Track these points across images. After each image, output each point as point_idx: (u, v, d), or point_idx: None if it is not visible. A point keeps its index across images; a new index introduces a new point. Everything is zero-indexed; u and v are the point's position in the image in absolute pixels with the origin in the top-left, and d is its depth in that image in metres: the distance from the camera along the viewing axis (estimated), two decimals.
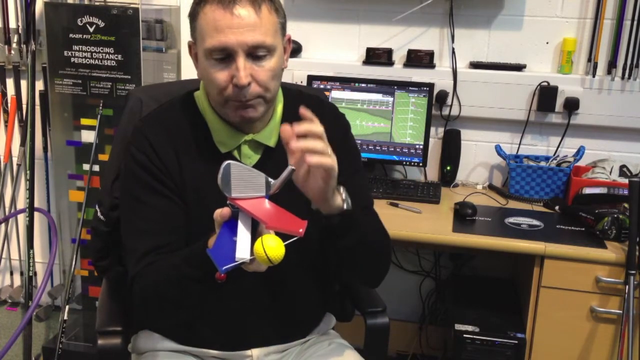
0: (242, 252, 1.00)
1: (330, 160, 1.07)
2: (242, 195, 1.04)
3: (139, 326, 1.47)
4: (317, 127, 1.06)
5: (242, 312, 1.35)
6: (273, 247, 0.97)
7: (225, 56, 1.18)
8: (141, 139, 1.28)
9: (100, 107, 2.42)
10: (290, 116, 1.33)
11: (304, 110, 1.07)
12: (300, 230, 1.03)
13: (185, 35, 2.53)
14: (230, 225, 1.03)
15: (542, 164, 2.31)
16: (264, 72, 1.20)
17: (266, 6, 1.19)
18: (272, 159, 1.31)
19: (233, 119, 1.26)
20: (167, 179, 1.27)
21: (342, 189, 1.17)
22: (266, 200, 1.06)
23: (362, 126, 2.34)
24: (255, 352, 1.39)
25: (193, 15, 1.22)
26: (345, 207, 1.16)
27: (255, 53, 1.18)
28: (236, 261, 0.99)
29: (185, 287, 1.18)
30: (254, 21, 1.16)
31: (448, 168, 2.44)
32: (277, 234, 1.01)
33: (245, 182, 1.04)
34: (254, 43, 1.17)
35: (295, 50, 2.47)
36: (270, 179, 1.07)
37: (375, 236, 1.32)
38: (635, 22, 2.22)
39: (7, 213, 2.85)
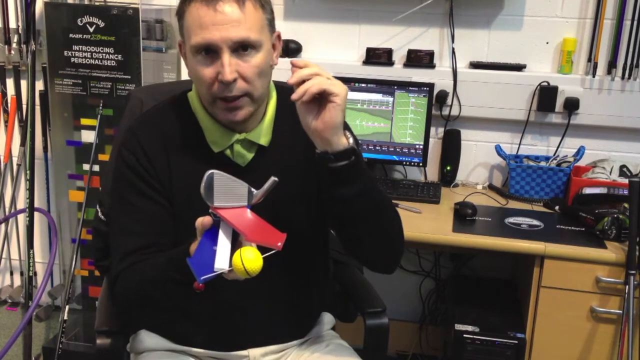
0: (221, 262, 1.00)
1: (330, 83, 1.14)
2: (224, 204, 1.04)
3: (137, 326, 1.47)
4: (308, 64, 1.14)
5: (239, 312, 1.35)
6: (251, 260, 0.98)
7: (211, 53, 1.18)
8: (132, 140, 1.29)
9: (100, 107, 2.42)
10: (284, 114, 1.33)
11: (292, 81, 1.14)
12: (279, 244, 1.03)
13: None
14: (212, 234, 1.04)
15: (542, 164, 2.31)
16: (249, 68, 1.19)
17: (251, 2, 1.18)
18: (266, 158, 1.31)
19: (221, 119, 1.26)
20: (155, 181, 1.27)
21: (346, 131, 1.18)
22: (248, 211, 1.07)
23: (362, 126, 2.34)
24: (252, 352, 1.38)
25: (180, 14, 1.22)
26: (351, 141, 1.16)
27: (240, 49, 1.18)
28: (215, 271, 1.00)
29: (167, 289, 1.19)
30: (237, 17, 1.16)
31: (448, 168, 2.44)
32: (258, 246, 1.01)
33: (228, 192, 1.05)
34: (238, 39, 1.17)
35: (295, 50, 2.47)
36: (253, 189, 1.07)
37: (386, 203, 1.30)
38: (635, 22, 2.22)
39: (7, 213, 2.85)
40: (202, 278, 1.00)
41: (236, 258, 0.98)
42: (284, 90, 1.37)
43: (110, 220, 1.34)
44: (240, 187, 1.06)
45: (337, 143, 1.15)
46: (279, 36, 1.29)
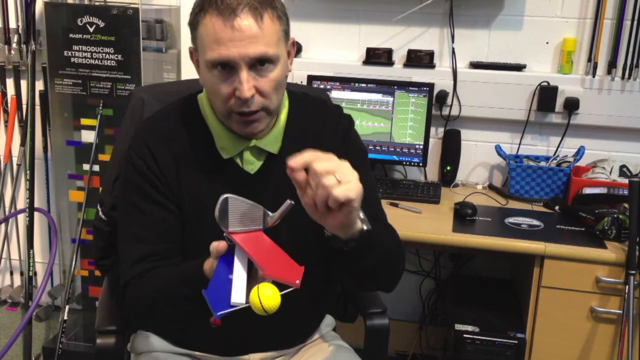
0: (238, 296, 0.97)
1: (342, 190, 0.97)
2: (239, 229, 1.02)
3: (137, 326, 1.47)
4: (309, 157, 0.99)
5: (240, 318, 1.34)
6: (269, 297, 0.95)
7: (227, 68, 1.16)
8: (140, 144, 1.27)
9: (100, 107, 2.42)
10: (294, 121, 1.32)
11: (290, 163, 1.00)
12: (297, 281, 1.00)
13: (185, 35, 2.53)
14: (227, 261, 1.01)
15: (542, 164, 2.31)
16: (267, 82, 1.17)
17: (268, 15, 1.14)
18: (275, 166, 1.29)
19: (237, 131, 1.24)
20: (164, 186, 1.26)
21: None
22: (263, 235, 1.04)
23: (362, 126, 2.33)
24: (253, 357, 1.38)
25: (193, 25, 1.19)
26: (364, 227, 1.08)
27: (257, 64, 1.16)
28: (231, 306, 0.97)
29: (178, 304, 1.18)
30: (255, 32, 1.13)
31: (448, 168, 2.44)
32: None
33: (243, 216, 1.02)
34: (256, 55, 1.14)
35: (295, 50, 2.47)
36: (268, 212, 1.04)
37: (392, 248, 1.27)
38: (635, 22, 2.22)
39: (7, 213, 2.85)
40: (219, 314, 0.97)
41: (253, 295, 0.95)
42: (296, 96, 1.37)
43: (118, 226, 1.32)
44: (255, 211, 1.03)
45: (351, 232, 1.07)
46: (293, 43, 1.27)
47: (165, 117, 1.32)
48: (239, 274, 0.99)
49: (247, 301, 0.96)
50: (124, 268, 1.26)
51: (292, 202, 1.01)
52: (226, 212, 1.00)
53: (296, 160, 0.98)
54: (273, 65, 1.17)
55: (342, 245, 1.09)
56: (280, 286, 0.97)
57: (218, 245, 1.01)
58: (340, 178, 0.97)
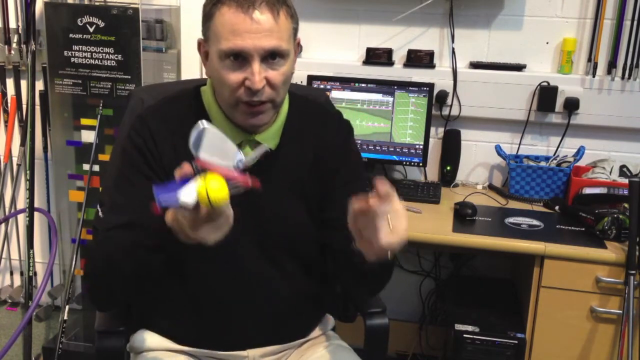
0: (187, 195, 0.96)
1: (391, 240, 1.07)
2: (209, 159, 1.02)
3: (137, 325, 1.47)
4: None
5: (238, 313, 1.35)
6: (216, 189, 0.94)
7: (240, 59, 1.19)
8: (142, 125, 1.30)
9: (100, 107, 2.42)
10: (294, 121, 1.35)
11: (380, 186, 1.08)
12: (249, 181, 1.00)
13: (185, 36, 2.53)
14: (187, 180, 1.00)
15: (542, 164, 2.31)
16: (277, 76, 1.21)
17: (283, 12, 1.20)
18: (271, 161, 1.31)
19: (241, 122, 1.26)
20: (159, 167, 1.27)
21: None
22: (233, 171, 1.04)
23: (362, 126, 2.34)
24: (251, 352, 1.38)
25: (208, 15, 1.21)
26: (389, 256, 1.12)
27: (269, 57, 1.19)
28: (179, 203, 0.96)
29: (138, 257, 1.16)
30: (271, 26, 1.17)
31: (448, 168, 2.44)
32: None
33: (216, 148, 1.03)
34: (270, 48, 1.18)
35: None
36: (241, 154, 1.06)
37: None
38: (635, 22, 2.22)
39: (7, 213, 2.85)
40: (163, 201, 0.96)
41: (201, 187, 0.95)
42: (297, 98, 1.40)
43: (104, 193, 1.34)
44: (230, 147, 1.05)
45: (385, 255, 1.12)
46: (298, 43, 1.30)
47: (168, 105, 1.35)
48: (194, 181, 0.98)
49: (196, 199, 0.95)
50: (98, 232, 1.28)
51: (269, 148, 1.05)
52: (201, 139, 1.02)
53: (387, 189, 1.08)
54: (284, 60, 1.22)
55: (363, 262, 1.13)
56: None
57: (183, 168, 1.01)
58: (392, 227, 1.07)
